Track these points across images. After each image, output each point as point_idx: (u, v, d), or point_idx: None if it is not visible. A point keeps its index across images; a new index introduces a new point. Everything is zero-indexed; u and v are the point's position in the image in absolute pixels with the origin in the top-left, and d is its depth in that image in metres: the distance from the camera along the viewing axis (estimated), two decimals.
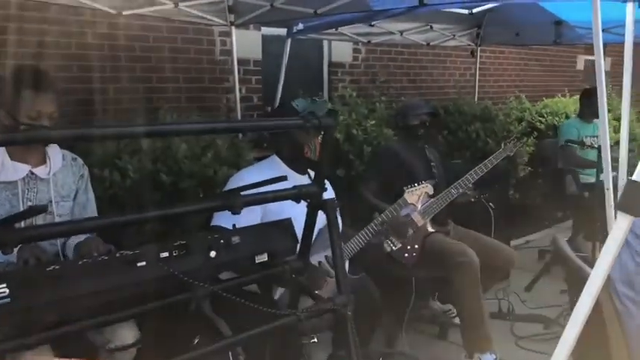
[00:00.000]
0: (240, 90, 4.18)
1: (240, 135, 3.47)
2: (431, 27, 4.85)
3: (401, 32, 4.83)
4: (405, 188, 2.78)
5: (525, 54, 7.21)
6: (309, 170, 2.51)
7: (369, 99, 4.48)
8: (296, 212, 1.87)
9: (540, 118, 5.83)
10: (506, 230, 4.38)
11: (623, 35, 2.73)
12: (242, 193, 1.65)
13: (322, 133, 1.83)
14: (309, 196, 1.79)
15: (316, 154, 2.39)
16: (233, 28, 3.86)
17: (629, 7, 2.66)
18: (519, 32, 5.27)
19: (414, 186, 2.78)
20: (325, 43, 5.03)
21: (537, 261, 4.67)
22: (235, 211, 1.60)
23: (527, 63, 7.29)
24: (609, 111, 3.31)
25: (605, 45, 2.68)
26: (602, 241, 3.52)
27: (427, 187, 2.80)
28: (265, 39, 4.62)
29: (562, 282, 4.00)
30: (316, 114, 1.70)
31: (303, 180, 2.35)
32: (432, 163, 3.34)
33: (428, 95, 5.88)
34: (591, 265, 3.14)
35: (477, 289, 2.84)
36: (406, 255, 3.02)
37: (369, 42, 4.82)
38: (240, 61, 4.21)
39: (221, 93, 4.30)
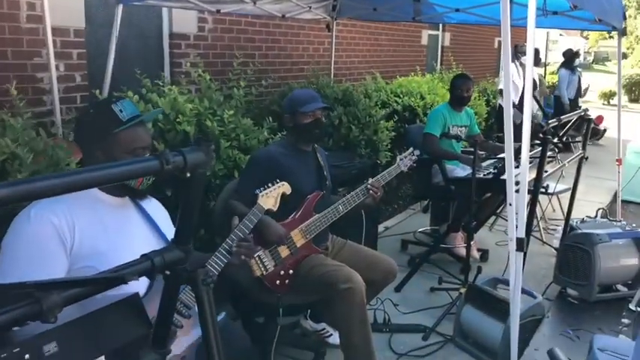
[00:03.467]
0: (57, 67, 3.29)
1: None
2: None
3: (254, 1, 4.23)
4: (257, 192, 2.22)
5: (375, 28, 6.98)
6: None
7: (225, 83, 3.82)
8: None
9: (396, 99, 5.62)
10: (374, 222, 4.09)
11: (487, 16, 2.53)
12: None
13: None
14: (170, 267, 1.19)
15: (136, 182, 1.68)
16: None
17: None
18: (377, 7, 4.98)
19: (267, 187, 2.24)
20: (165, 11, 4.24)
21: (400, 251, 4.48)
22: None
23: (377, 38, 7.08)
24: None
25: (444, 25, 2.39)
26: (473, 234, 3.31)
27: (284, 187, 2.28)
28: (89, 4, 3.71)
29: (428, 278, 3.88)
30: (182, 152, 1.08)
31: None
32: (324, 172, 2.81)
33: (282, 72, 5.36)
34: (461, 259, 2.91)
35: (365, 319, 2.45)
36: (278, 282, 2.51)
37: (218, 11, 4.14)
38: (56, 31, 3.30)
39: (31, 71, 3.36)
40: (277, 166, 2.53)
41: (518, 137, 2.29)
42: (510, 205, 2.24)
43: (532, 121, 3.10)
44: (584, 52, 32.07)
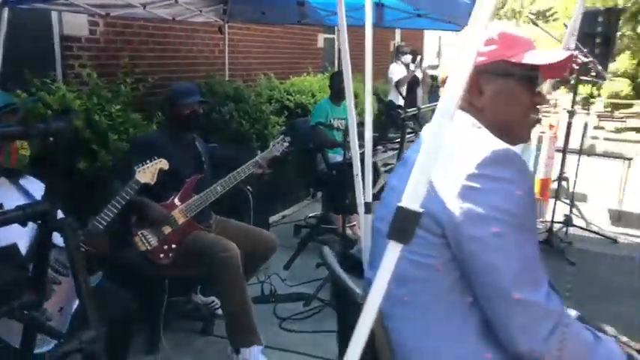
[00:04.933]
0: None
1: None
2: (176, 1, 4.57)
3: (143, 5, 4.45)
4: (135, 168, 2.51)
5: (270, 31, 7.35)
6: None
7: (113, 80, 4.03)
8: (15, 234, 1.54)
9: (289, 97, 6.02)
10: (265, 209, 4.45)
11: (360, 19, 2.90)
12: None
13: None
14: (40, 216, 1.47)
15: (10, 162, 1.92)
16: None
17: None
18: (265, 11, 5.32)
19: (145, 164, 2.53)
20: (55, 15, 4.38)
21: (293, 236, 4.85)
22: None
23: (273, 40, 7.45)
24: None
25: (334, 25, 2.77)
26: (349, 213, 3.73)
27: (161, 163, 2.58)
28: None
29: (317, 257, 4.27)
30: (46, 120, 1.37)
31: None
32: (202, 158, 3.12)
33: (178, 73, 5.59)
34: (343, 237, 3.32)
35: (241, 283, 2.78)
36: (162, 255, 2.80)
37: (107, 15, 4.34)
38: None
39: None
40: (156, 150, 2.77)
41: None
42: (357, 175, 2.67)
43: (395, 110, 3.60)
44: None
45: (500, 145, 1.17)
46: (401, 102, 6.95)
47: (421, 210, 0.93)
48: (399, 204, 0.93)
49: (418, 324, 1.22)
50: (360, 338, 0.96)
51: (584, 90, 20.06)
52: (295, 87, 6.25)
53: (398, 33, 12.42)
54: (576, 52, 3.99)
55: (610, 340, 1.25)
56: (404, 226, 0.93)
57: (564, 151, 5.03)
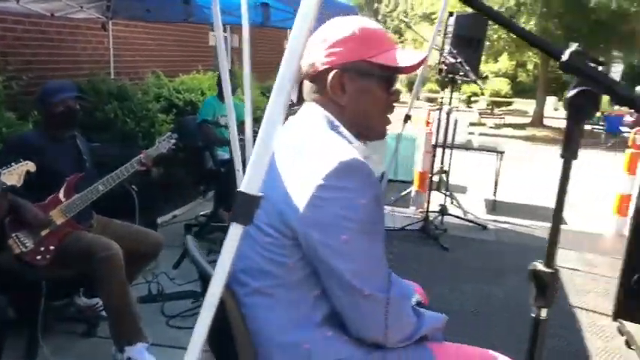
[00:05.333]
0: None
1: None
2: None
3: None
4: (0, 170, 2.44)
5: (161, 29, 7.24)
6: None
7: None
8: None
9: (178, 95, 5.97)
10: (151, 209, 4.40)
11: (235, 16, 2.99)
12: None
13: None
14: None
15: None
16: None
17: None
18: (150, 8, 5.26)
19: (10, 166, 2.47)
20: None
21: (184, 236, 4.82)
22: None
23: (163, 38, 7.34)
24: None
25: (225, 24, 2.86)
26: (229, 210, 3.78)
27: (27, 165, 2.52)
28: None
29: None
30: None
31: None
32: (84, 156, 3.05)
33: (58, 71, 5.38)
34: None
35: (123, 282, 2.76)
36: (38, 257, 2.73)
37: None
38: None
39: None
40: (32, 150, 2.69)
41: None
42: (238, 170, 2.76)
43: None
44: None
45: (348, 155, 1.24)
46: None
47: (260, 194, 1.04)
48: (239, 189, 1.03)
49: (272, 313, 1.32)
50: (207, 317, 1.06)
51: (469, 89, 21.44)
52: (185, 85, 6.22)
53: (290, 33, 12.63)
54: (445, 53, 4.32)
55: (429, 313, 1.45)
56: (245, 209, 1.03)
57: (444, 146, 5.41)
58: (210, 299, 1.08)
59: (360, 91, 1.35)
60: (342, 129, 1.35)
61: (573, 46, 0.93)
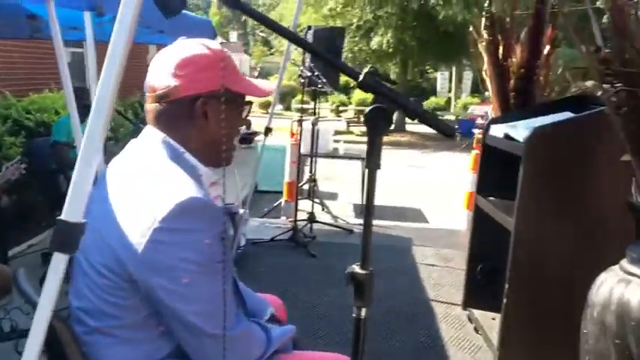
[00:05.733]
0: None
1: None
2: None
3: None
4: None
5: (12, 45, 6.74)
6: None
7: None
8: None
9: (28, 115, 5.60)
10: (3, 239, 4.08)
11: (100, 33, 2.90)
12: None
13: None
14: None
15: None
16: None
17: (86, 14, 3.10)
18: None
19: None
20: None
21: (41, 266, 4.53)
22: None
23: (8, 55, 6.83)
24: None
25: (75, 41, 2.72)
26: None
27: None
28: None
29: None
30: None
31: None
32: None
33: None
34: None
35: None
36: None
37: None
38: None
39: None
40: None
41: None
42: None
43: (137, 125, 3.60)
44: (251, 68, 34.92)
45: (184, 194, 1.19)
46: None
47: (83, 221, 1.03)
48: (59, 217, 1.02)
49: (114, 351, 1.28)
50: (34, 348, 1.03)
51: (337, 99, 22.16)
52: (36, 105, 5.84)
53: (153, 48, 12.33)
54: (303, 67, 4.47)
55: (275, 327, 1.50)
56: (67, 238, 1.02)
57: (311, 156, 5.57)
58: (35, 338, 1.04)
59: (222, 119, 1.31)
60: (188, 155, 1.33)
61: (367, 68, 1.03)
